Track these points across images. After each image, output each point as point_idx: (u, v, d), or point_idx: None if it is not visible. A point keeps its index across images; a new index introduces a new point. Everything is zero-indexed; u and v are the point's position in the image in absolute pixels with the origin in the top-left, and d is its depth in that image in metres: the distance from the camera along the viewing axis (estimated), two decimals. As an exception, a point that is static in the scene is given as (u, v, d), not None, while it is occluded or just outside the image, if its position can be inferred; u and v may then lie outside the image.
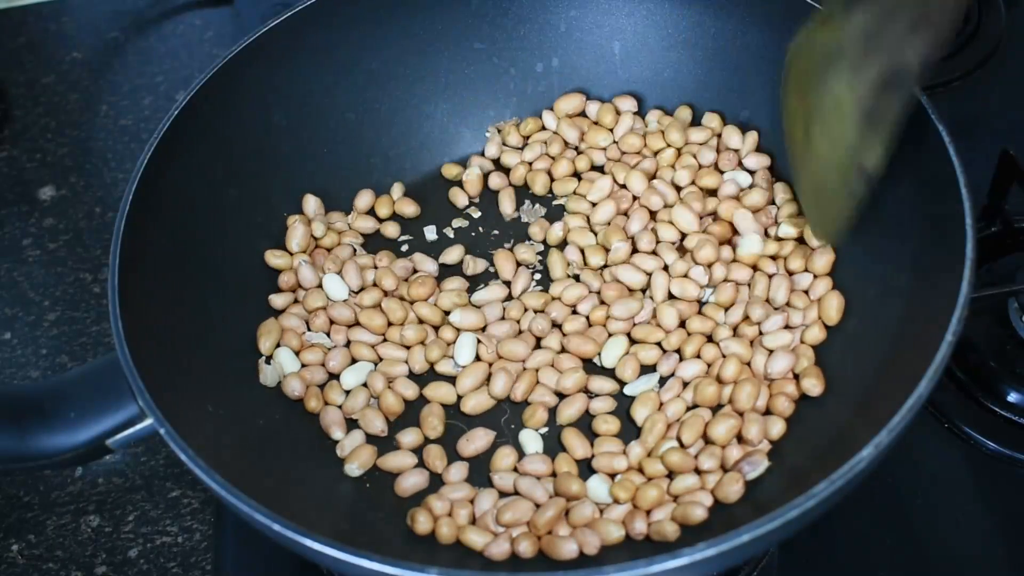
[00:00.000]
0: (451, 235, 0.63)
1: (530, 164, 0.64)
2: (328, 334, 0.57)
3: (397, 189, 0.64)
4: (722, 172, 0.60)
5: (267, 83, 0.60)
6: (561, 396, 0.54)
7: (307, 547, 0.39)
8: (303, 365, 0.55)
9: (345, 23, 0.62)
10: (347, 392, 0.55)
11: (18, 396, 0.46)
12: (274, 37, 0.59)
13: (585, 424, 0.53)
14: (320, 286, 0.58)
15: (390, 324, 0.57)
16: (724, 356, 0.53)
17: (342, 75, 0.63)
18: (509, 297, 0.58)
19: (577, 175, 0.64)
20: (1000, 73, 0.75)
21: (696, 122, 0.63)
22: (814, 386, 0.51)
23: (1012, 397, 0.58)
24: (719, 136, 0.62)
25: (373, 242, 0.62)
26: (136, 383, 0.44)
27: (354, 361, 0.56)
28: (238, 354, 0.55)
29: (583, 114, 0.65)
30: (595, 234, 0.60)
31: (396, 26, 0.63)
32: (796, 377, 0.52)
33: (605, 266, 0.58)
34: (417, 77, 0.65)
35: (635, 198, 0.60)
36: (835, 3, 0.46)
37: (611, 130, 0.64)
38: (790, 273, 0.55)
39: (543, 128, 0.65)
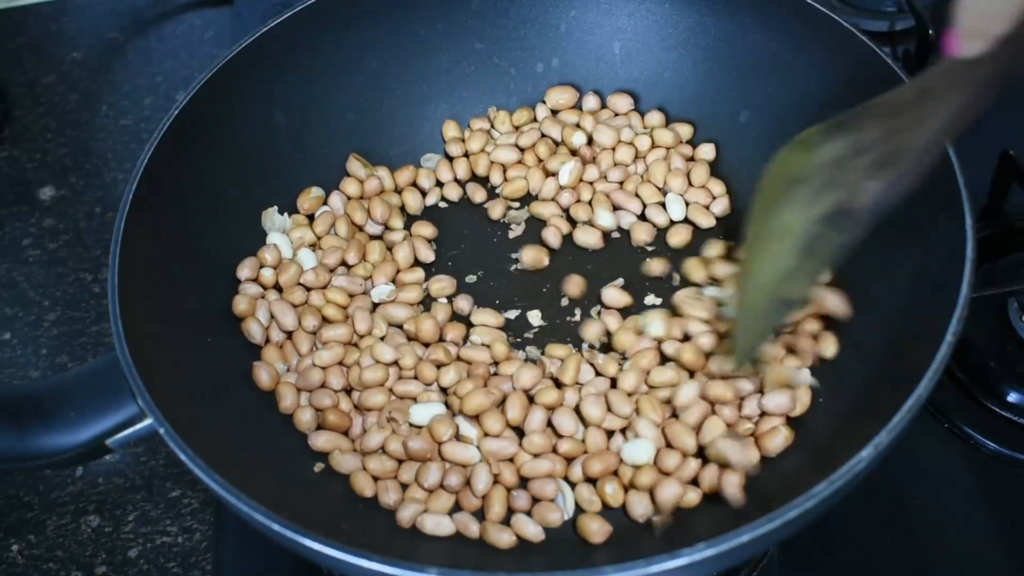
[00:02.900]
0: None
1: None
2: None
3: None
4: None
5: (267, 83, 0.60)
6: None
7: (307, 547, 0.39)
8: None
9: (345, 23, 0.62)
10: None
11: (18, 396, 0.46)
12: (274, 37, 0.59)
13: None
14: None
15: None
16: None
17: (342, 75, 0.63)
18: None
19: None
20: (1000, 73, 0.75)
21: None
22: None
23: (1012, 397, 0.58)
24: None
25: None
26: (136, 383, 0.44)
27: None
28: (238, 354, 0.55)
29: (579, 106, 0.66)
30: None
31: (396, 26, 0.63)
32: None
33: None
34: (417, 77, 0.65)
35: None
36: (816, 130, 0.46)
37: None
38: None
39: (535, 119, 0.66)
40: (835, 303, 0.51)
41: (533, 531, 0.49)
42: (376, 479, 0.51)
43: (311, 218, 0.62)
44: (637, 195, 0.62)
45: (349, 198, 0.62)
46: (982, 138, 0.68)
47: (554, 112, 0.66)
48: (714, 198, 0.62)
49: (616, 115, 0.65)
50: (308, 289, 0.58)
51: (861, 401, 0.48)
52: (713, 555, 0.38)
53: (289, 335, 0.56)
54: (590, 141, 0.64)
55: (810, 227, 0.44)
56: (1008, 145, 0.63)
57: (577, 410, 0.53)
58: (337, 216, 0.61)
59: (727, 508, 0.48)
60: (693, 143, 0.64)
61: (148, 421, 0.44)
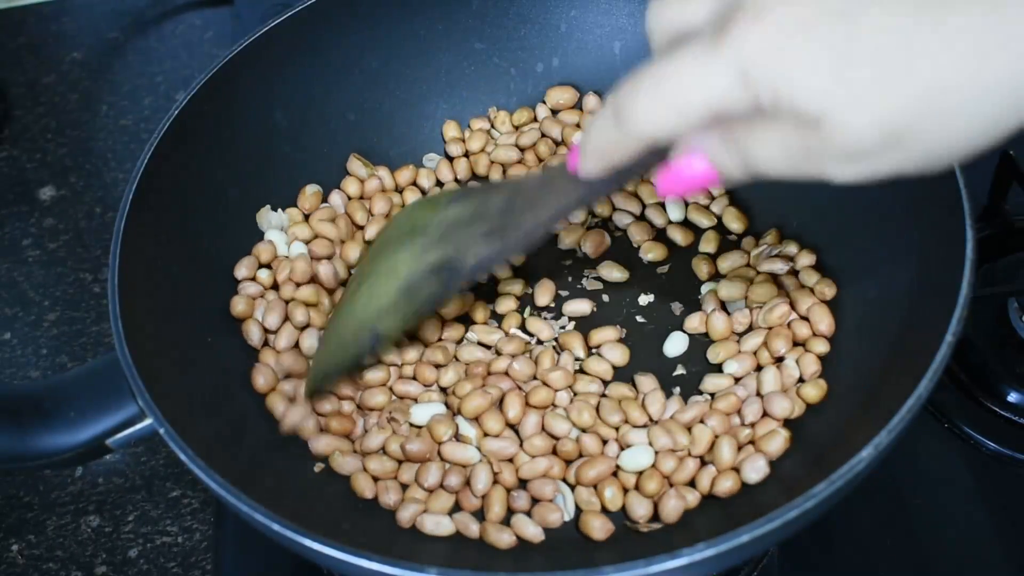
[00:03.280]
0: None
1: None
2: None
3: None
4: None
5: (267, 83, 0.60)
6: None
7: (306, 547, 0.39)
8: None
9: (345, 23, 0.62)
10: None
11: (18, 396, 0.46)
12: (274, 37, 0.59)
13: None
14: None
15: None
16: None
17: (342, 75, 0.63)
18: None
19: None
20: (1000, 73, 0.75)
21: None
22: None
23: (1012, 397, 0.58)
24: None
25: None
26: (136, 383, 0.44)
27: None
28: (238, 354, 0.55)
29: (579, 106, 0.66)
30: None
31: (396, 26, 0.63)
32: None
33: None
34: (417, 77, 0.65)
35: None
36: (446, 194, 0.50)
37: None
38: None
39: (535, 119, 0.66)
40: (825, 324, 0.53)
41: (533, 531, 0.49)
42: (376, 479, 0.51)
43: (308, 216, 0.62)
44: (636, 195, 0.62)
45: (350, 198, 0.62)
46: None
47: (554, 112, 0.66)
48: (713, 198, 0.62)
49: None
50: (298, 284, 0.58)
51: (861, 401, 0.48)
52: (713, 555, 0.38)
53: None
54: None
55: (416, 273, 0.47)
56: (1008, 145, 0.63)
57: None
58: (337, 215, 0.61)
59: (727, 508, 0.48)
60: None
61: (148, 421, 0.44)
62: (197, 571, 0.58)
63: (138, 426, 0.45)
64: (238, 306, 0.56)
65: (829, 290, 0.54)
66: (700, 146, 0.34)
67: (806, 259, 0.56)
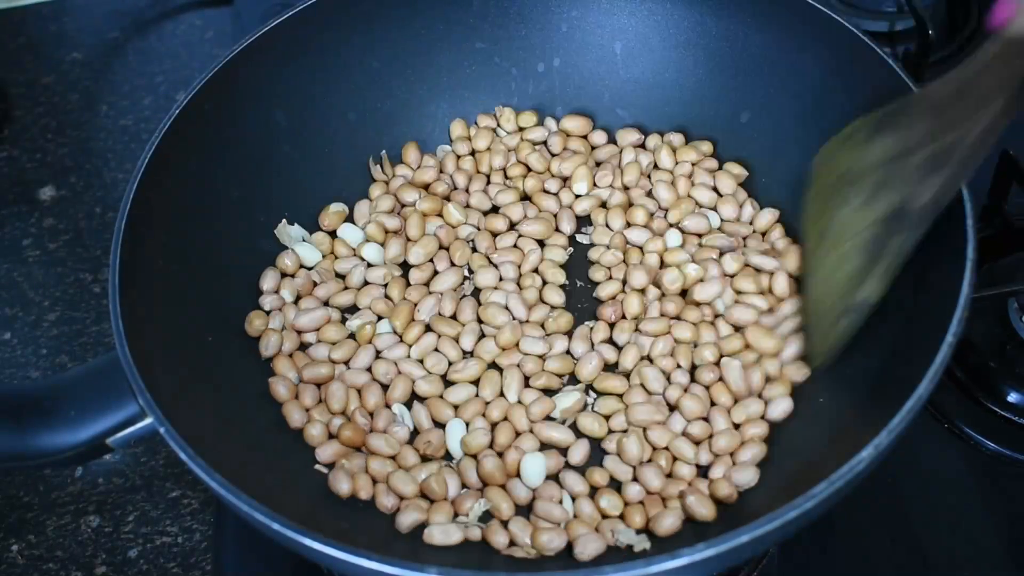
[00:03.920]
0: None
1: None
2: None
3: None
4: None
5: (267, 83, 0.60)
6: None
7: (307, 546, 0.39)
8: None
9: (345, 23, 0.62)
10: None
11: (18, 395, 0.46)
12: (274, 37, 0.59)
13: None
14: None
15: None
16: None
17: (342, 75, 0.63)
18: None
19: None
20: (1000, 73, 0.75)
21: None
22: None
23: (1012, 397, 0.58)
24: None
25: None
26: (136, 382, 0.44)
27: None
28: (238, 353, 0.55)
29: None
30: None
31: (397, 26, 0.63)
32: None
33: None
34: (418, 77, 0.65)
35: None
36: (863, 125, 0.45)
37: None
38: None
39: (537, 123, 0.65)
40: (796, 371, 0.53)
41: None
42: (376, 482, 0.51)
43: (332, 235, 0.61)
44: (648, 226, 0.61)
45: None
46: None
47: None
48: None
49: (621, 150, 0.64)
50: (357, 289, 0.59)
51: (861, 401, 0.48)
52: (713, 555, 0.38)
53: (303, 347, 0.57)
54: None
55: (870, 231, 0.43)
56: (1008, 145, 0.63)
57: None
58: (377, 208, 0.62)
59: (727, 509, 0.48)
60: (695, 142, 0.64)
61: (148, 420, 0.44)
62: (197, 571, 0.58)
63: (138, 426, 0.45)
64: (255, 320, 0.56)
65: None
66: None
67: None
